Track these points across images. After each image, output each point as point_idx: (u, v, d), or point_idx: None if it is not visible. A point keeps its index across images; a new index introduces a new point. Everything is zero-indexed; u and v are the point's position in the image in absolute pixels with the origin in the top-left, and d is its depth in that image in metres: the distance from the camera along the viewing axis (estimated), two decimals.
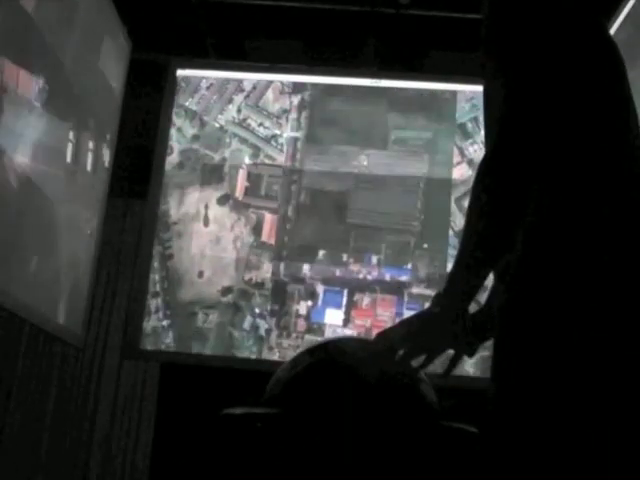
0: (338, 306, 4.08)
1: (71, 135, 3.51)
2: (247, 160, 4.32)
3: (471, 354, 1.44)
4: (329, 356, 1.46)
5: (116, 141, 4.17)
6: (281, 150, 4.33)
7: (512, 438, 1.13)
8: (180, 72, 4.44)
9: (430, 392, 1.45)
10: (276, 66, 4.43)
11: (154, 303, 4.16)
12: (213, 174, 4.32)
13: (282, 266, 4.18)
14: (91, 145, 3.81)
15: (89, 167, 3.82)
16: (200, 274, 4.19)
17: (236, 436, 1.39)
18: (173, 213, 4.27)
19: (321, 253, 4.17)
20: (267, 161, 4.32)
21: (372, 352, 1.43)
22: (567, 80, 1.24)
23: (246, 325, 4.11)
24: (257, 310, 4.12)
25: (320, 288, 4.13)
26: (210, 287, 4.17)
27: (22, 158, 3.03)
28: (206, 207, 4.27)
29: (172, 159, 4.33)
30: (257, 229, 4.23)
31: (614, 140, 1.24)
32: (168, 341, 4.11)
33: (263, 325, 4.10)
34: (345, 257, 4.16)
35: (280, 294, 4.13)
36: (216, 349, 4.08)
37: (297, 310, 4.11)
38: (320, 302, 4.11)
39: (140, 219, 4.46)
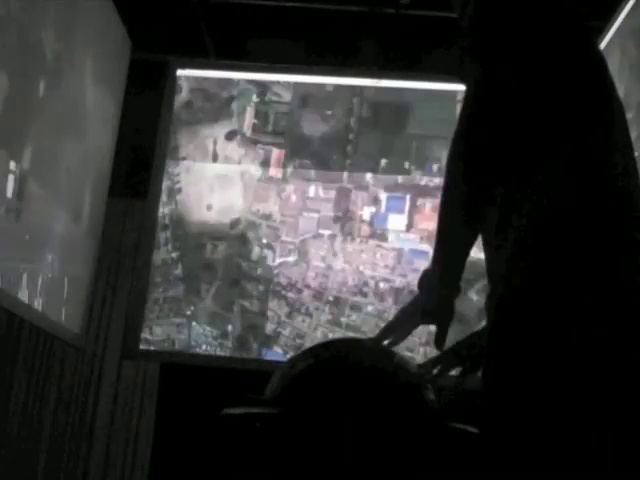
0: (401, 211, 4.17)
1: (69, 139, 3.51)
2: (255, 98, 4.39)
3: (474, 371, 1.44)
4: (330, 357, 1.46)
5: (116, 141, 4.17)
6: (288, 88, 4.40)
7: (510, 438, 1.13)
8: (180, 72, 4.44)
9: (430, 392, 1.45)
10: (276, 66, 4.43)
11: (163, 236, 4.21)
12: (221, 111, 4.38)
13: (345, 174, 4.26)
14: (92, 144, 3.81)
15: (90, 168, 3.82)
16: (208, 207, 4.25)
17: (236, 436, 1.39)
18: (182, 149, 4.33)
19: (383, 162, 4.26)
20: (274, 98, 4.38)
21: (373, 352, 1.43)
22: (547, 78, 1.25)
23: (254, 256, 4.17)
24: (265, 241, 4.18)
25: (383, 195, 4.22)
26: (218, 219, 4.23)
27: (22, 162, 3.04)
28: (214, 143, 4.34)
29: (181, 98, 4.39)
30: (265, 164, 4.30)
31: (596, 142, 1.24)
32: (177, 272, 4.15)
33: (270, 255, 4.16)
34: (407, 165, 4.24)
35: (343, 201, 4.22)
36: (225, 279, 4.13)
37: (361, 216, 4.20)
38: (383, 208, 4.21)
39: (140, 219, 4.46)
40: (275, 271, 4.13)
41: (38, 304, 3.31)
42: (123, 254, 4.59)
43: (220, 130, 4.35)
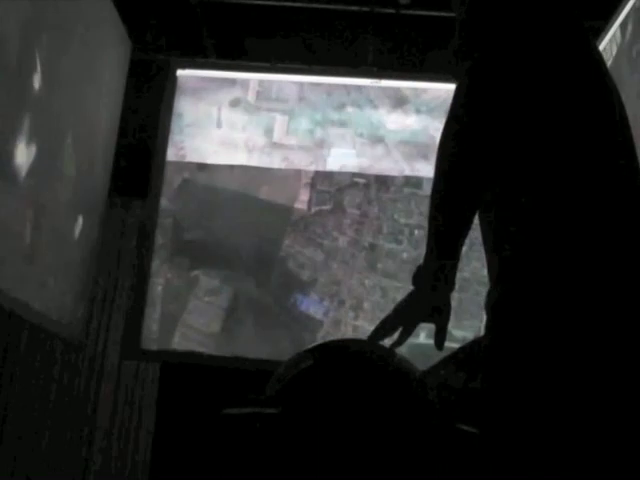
0: None
1: (69, 139, 3.51)
2: None
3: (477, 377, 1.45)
4: (330, 357, 1.46)
5: (116, 141, 4.17)
6: None
7: (509, 438, 1.13)
8: (180, 72, 4.44)
9: (430, 392, 1.44)
10: (276, 66, 4.43)
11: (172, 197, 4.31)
12: (226, 79, 4.45)
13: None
14: (92, 144, 3.81)
15: (90, 168, 3.82)
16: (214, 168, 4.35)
17: (235, 436, 1.39)
18: (186, 116, 4.38)
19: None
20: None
21: (373, 353, 1.43)
22: (540, 75, 1.24)
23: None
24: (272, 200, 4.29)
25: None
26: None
27: (23, 162, 3.04)
28: (219, 110, 4.38)
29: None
30: (269, 130, 4.36)
31: (596, 138, 1.23)
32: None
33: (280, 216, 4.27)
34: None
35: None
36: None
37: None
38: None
39: (140, 219, 4.46)
40: (310, 219, 4.24)
41: (38, 304, 3.31)
42: (123, 254, 4.59)
43: (224, 97, 4.41)
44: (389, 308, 1.38)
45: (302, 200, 4.24)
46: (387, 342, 1.45)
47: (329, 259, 4.13)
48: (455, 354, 1.45)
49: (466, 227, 1.27)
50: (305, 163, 4.29)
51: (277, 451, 1.32)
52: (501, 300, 1.20)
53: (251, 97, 4.40)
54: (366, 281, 4.08)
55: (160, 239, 4.23)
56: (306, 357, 1.47)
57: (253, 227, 4.24)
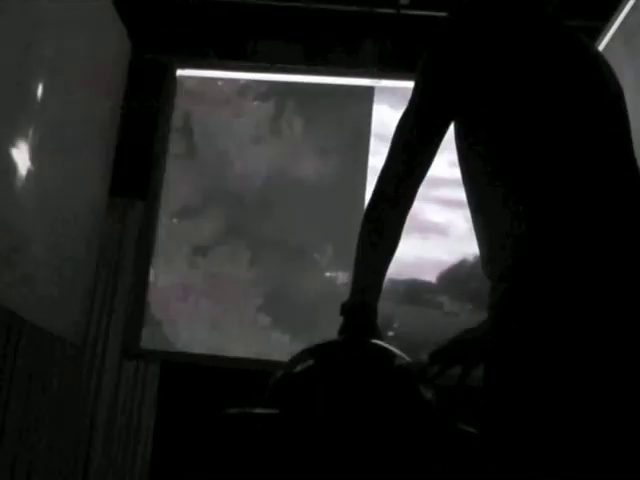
0: None
1: (69, 139, 3.52)
2: None
3: (475, 366, 1.44)
4: (330, 357, 1.46)
5: (116, 141, 4.17)
6: None
7: (509, 438, 1.13)
8: (180, 72, 4.44)
9: (429, 392, 1.44)
10: (276, 66, 4.44)
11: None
12: None
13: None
14: (92, 144, 3.81)
15: (91, 168, 3.82)
16: None
17: (236, 436, 1.39)
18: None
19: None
20: None
21: (373, 353, 1.44)
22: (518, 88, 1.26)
23: None
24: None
25: None
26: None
27: (23, 162, 3.04)
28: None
29: None
30: None
31: (591, 134, 1.23)
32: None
33: None
34: None
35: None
36: None
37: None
38: None
39: (140, 219, 4.46)
40: None
41: (38, 304, 3.31)
42: (123, 254, 4.59)
43: None
44: None
45: None
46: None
47: None
48: (447, 345, 1.44)
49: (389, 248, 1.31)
50: None
51: (278, 452, 1.33)
52: (505, 299, 1.19)
53: None
54: None
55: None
56: (306, 357, 1.47)
57: None
